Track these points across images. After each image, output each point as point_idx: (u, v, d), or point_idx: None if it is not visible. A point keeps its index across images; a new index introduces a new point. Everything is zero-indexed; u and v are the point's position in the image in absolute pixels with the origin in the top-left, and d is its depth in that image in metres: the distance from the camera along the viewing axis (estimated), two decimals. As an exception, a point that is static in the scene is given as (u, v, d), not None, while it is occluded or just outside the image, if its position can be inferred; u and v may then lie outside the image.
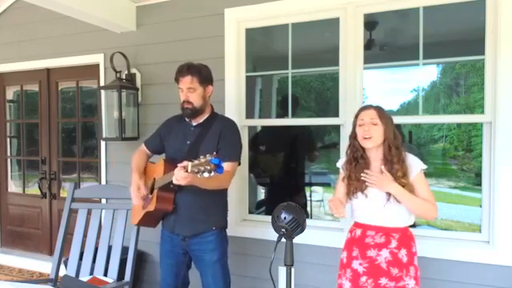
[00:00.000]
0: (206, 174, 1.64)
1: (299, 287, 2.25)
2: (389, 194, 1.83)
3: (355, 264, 1.91)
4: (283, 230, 1.60)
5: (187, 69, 2.10)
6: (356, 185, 1.91)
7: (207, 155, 1.65)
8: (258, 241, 2.80)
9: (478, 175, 2.59)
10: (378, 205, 1.86)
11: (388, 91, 4.27)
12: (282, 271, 1.64)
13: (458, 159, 5.49)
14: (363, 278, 1.87)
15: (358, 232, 1.95)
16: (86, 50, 3.55)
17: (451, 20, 2.85)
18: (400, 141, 1.89)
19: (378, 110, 1.90)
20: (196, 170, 1.65)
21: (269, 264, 1.60)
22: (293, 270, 1.60)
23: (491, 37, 2.29)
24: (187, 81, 2.08)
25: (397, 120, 3.01)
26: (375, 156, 1.91)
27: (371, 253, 1.88)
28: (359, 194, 1.90)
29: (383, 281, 1.83)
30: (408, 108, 4.35)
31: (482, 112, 2.36)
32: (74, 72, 3.76)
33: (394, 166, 1.83)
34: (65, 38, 3.65)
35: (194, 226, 2.10)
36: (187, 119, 2.20)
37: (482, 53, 2.33)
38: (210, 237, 2.13)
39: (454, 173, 5.32)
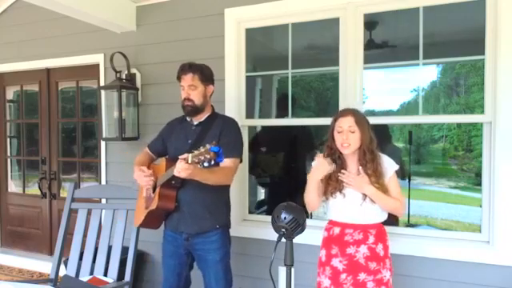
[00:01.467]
0: (206, 164, 1.66)
1: (299, 287, 2.25)
2: (364, 195, 1.91)
3: (335, 262, 1.96)
4: (283, 229, 1.61)
5: (189, 67, 2.13)
6: (335, 185, 1.97)
7: (206, 145, 1.68)
8: (258, 241, 2.80)
9: (478, 175, 2.60)
10: (355, 204, 1.94)
11: (388, 91, 4.28)
12: (282, 271, 1.64)
13: (458, 159, 5.50)
14: (343, 275, 1.92)
15: (337, 230, 2.00)
16: (86, 49, 3.55)
17: (451, 20, 2.85)
18: (375, 144, 1.96)
19: (356, 115, 1.95)
20: (196, 160, 1.67)
21: (269, 264, 1.60)
22: (293, 270, 1.60)
23: (491, 37, 2.29)
24: (189, 78, 2.11)
25: (397, 120, 3.05)
26: (352, 158, 1.99)
27: (350, 250, 1.93)
28: (337, 193, 1.97)
29: (362, 276, 1.89)
30: (408, 108, 4.36)
31: (482, 112, 2.35)
32: (74, 72, 3.76)
33: (368, 170, 1.92)
34: (65, 38, 3.65)
35: (198, 223, 2.10)
36: (188, 118, 2.21)
37: (482, 53, 2.33)
38: (214, 236, 2.13)
39: (454, 173, 5.33)
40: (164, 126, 2.37)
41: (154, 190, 2.11)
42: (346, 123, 1.92)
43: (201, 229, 2.11)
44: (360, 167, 1.93)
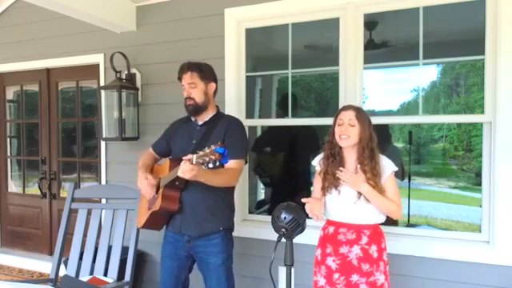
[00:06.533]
0: (210, 165, 1.63)
1: (299, 287, 2.25)
2: (359, 193, 1.92)
3: (329, 261, 1.97)
4: (283, 229, 1.61)
5: (187, 66, 2.13)
6: (331, 180, 1.98)
7: (211, 145, 1.66)
8: (258, 241, 2.80)
9: (478, 175, 2.60)
10: (349, 202, 1.94)
11: (388, 91, 4.28)
12: (282, 271, 1.64)
13: (458, 159, 5.51)
14: (336, 275, 1.93)
15: (331, 229, 2.01)
16: (85, 49, 3.55)
17: (451, 20, 2.85)
18: (375, 143, 1.97)
19: (357, 111, 1.97)
20: (201, 161, 1.65)
21: (269, 264, 1.60)
22: (293, 270, 1.61)
23: (491, 37, 2.29)
24: (187, 77, 2.11)
25: (397, 120, 3.05)
26: (350, 155, 1.99)
27: (343, 249, 1.94)
28: (333, 189, 1.98)
29: (354, 277, 1.89)
30: (408, 108, 4.36)
31: (482, 112, 2.35)
32: (74, 72, 3.76)
33: (365, 167, 1.92)
34: (65, 38, 3.65)
35: (200, 226, 2.07)
36: (192, 118, 2.19)
37: (482, 53, 2.33)
38: (216, 239, 2.10)
39: (453, 173, 5.33)
40: (168, 127, 2.36)
41: (157, 191, 2.10)
42: (347, 116, 1.94)
43: (203, 231, 2.08)
44: (358, 165, 1.93)
